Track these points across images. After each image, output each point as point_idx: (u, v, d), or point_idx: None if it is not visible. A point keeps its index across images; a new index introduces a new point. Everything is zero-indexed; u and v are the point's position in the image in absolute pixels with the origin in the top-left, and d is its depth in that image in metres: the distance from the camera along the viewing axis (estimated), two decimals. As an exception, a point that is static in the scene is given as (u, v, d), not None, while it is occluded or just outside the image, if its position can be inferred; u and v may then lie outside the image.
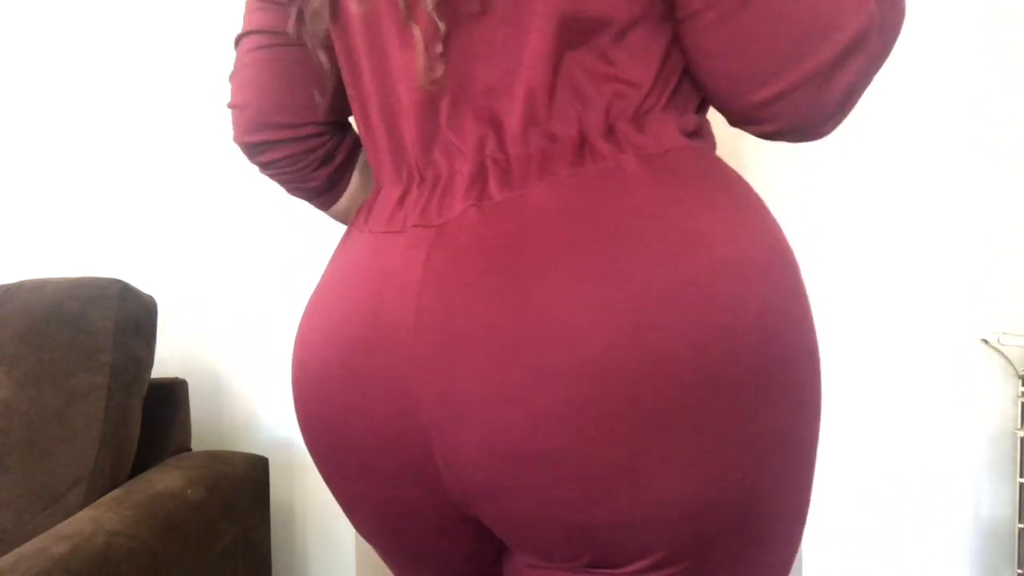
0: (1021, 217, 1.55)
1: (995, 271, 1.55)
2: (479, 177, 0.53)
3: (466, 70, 0.53)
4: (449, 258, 0.51)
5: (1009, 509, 1.56)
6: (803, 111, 0.55)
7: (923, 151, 1.54)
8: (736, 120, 0.57)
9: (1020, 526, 1.47)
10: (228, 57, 1.61)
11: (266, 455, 1.47)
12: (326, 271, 0.67)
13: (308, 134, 0.72)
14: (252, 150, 0.76)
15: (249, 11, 0.78)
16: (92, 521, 0.97)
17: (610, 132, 0.52)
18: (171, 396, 1.34)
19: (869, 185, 1.55)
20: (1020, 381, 1.48)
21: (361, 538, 1.60)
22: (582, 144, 0.51)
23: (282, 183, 0.79)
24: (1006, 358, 1.51)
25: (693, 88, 0.56)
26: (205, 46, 1.54)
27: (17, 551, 0.88)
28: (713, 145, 0.59)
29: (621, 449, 0.47)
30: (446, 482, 0.54)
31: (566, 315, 0.47)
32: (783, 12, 0.49)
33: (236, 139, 0.77)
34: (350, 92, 0.65)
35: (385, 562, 0.72)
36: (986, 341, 1.51)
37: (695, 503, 0.49)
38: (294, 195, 0.81)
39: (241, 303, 1.54)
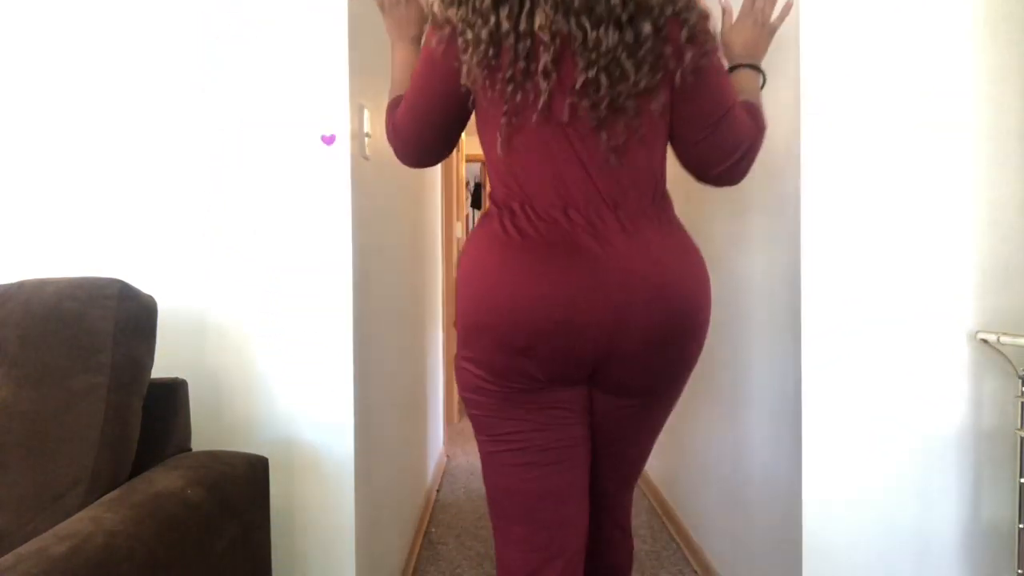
0: (1020, 218, 1.55)
1: (995, 272, 1.55)
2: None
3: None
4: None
5: (1009, 509, 1.56)
6: (731, 177, 1.22)
7: (924, 152, 1.55)
8: (700, 179, 1.24)
9: (1020, 526, 1.47)
10: (228, 59, 1.62)
11: (266, 455, 1.47)
12: (522, 247, 1.12)
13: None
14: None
15: None
16: (92, 521, 0.97)
17: (651, 203, 1.16)
18: (171, 396, 1.34)
19: (871, 186, 1.55)
20: (1020, 381, 1.48)
21: (361, 538, 1.61)
22: (641, 207, 1.14)
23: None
24: (1006, 358, 1.51)
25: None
26: (205, 49, 1.54)
27: (17, 551, 0.88)
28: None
29: (681, 326, 1.15)
30: (595, 349, 1.12)
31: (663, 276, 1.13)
32: (727, 139, 1.16)
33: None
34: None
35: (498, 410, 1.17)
36: (986, 341, 1.51)
37: (683, 366, 1.21)
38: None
39: (241, 303, 1.55)
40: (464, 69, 1.10)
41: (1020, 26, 1.53)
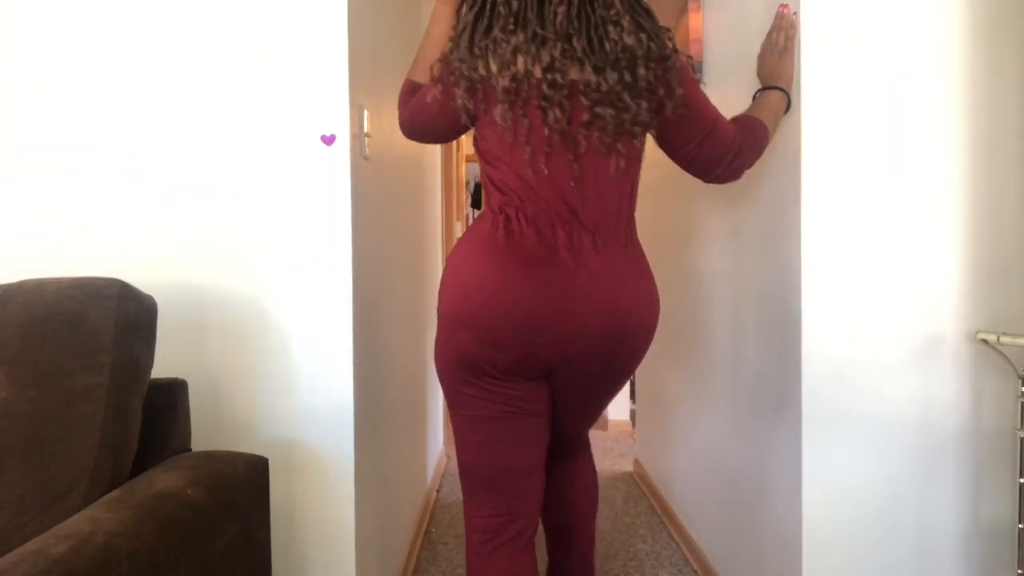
0: (1020, 218, 1.55)
1: (995, 272, 1.55)
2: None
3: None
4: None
5: (1009, 509, 1.56)
6: (726, 178, 1.46)
7: (924, 151, 1.55)
8: (703, 180, 1.48)
9: (1020, 526, 1.47)
10: (228, 59, 1.61)
11: (266, 455, 1.47)
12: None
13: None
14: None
15: None
16: (92, 521, 0.97)
17: (623, 230, 1.36)
18: (171, 396, 1.34)
19: (870, 186, 1.55)
20: (1020, 381, 1.48)
21: (361, 538, 1.60)
22: (615, 234, 1.35)
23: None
24: (1006, 358, 1.51)
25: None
26: (206, 48, 1.54)
27: (17, 551, 0.88)
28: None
29: (629, 343, 1.36)
30: (553, 354, 1.32)
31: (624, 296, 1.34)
32: (714, 151, 1.39)
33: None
34: None
35: (482, 390, 1.34)
36: (986, 341, 1.51)
37: (624, 367, 1.42)
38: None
39: (241, 303, 1.55)
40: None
41: (1020, 25, 1.53)
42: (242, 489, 1.30)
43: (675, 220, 2.70)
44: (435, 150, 3.56)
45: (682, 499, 2.69)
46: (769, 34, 1.58)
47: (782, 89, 1.53)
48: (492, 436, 1.34)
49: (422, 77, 1.43)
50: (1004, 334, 1.46)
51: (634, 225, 1.39)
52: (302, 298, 1.54)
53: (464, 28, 1.32)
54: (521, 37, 1.26)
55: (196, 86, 1.54)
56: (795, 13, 1.55)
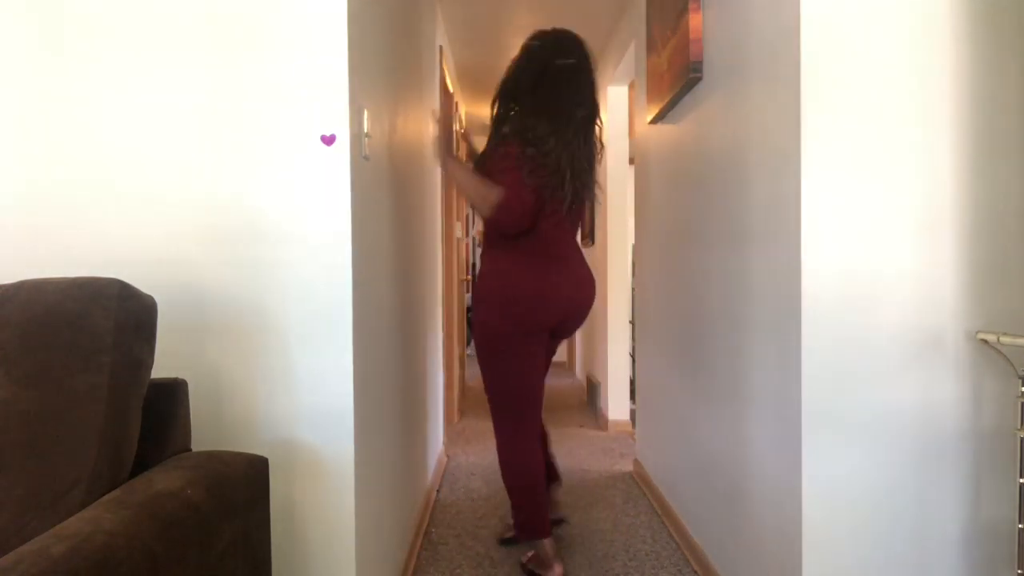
0: (1020, 218, 1.55)
1: (995, 272, 1.55)
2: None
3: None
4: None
5: (1009, 509, 1.56)
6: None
7: (923, 151, 1.55)
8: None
9: (1020, 526, 1.47)
10: (228, 59, 1.61)
11: (266, 455, 1.47)
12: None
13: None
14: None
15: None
16: (92, 521, 0.97)
17: (578, 247, 2.53)
18: (171, 396, 1.34)
19: (870, 186, 1.55)
20: (1020, 381, 1.48)
21: (361, 538, 1.60)
22: (575, 248, 2.51)
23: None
24: (1006, 358, 1.51)
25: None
26: (205, 48, 1.54)
27: (17, 551, 0.88)
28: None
29: (585, 305, 2.46)
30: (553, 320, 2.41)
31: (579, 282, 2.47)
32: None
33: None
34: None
35: (520, 350, 2.36)
36: (986, 341, 1.51)
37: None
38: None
39: (241, 303, 1.54)
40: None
41: (1020, 26, 1.53)
42: (242, 489, 1.30)
43: (675, 220, 2.70)
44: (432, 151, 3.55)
45: (682, 499, 2.69)
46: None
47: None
48: (523, 369, 2.35)
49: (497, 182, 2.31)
50: (1004, 334, 1.46)
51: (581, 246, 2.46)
52: (302, 298, 1.54)
53: (542, 154, 2.25)
54: (564, 159, 2.25)
55: (196, 85, 1.54)
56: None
